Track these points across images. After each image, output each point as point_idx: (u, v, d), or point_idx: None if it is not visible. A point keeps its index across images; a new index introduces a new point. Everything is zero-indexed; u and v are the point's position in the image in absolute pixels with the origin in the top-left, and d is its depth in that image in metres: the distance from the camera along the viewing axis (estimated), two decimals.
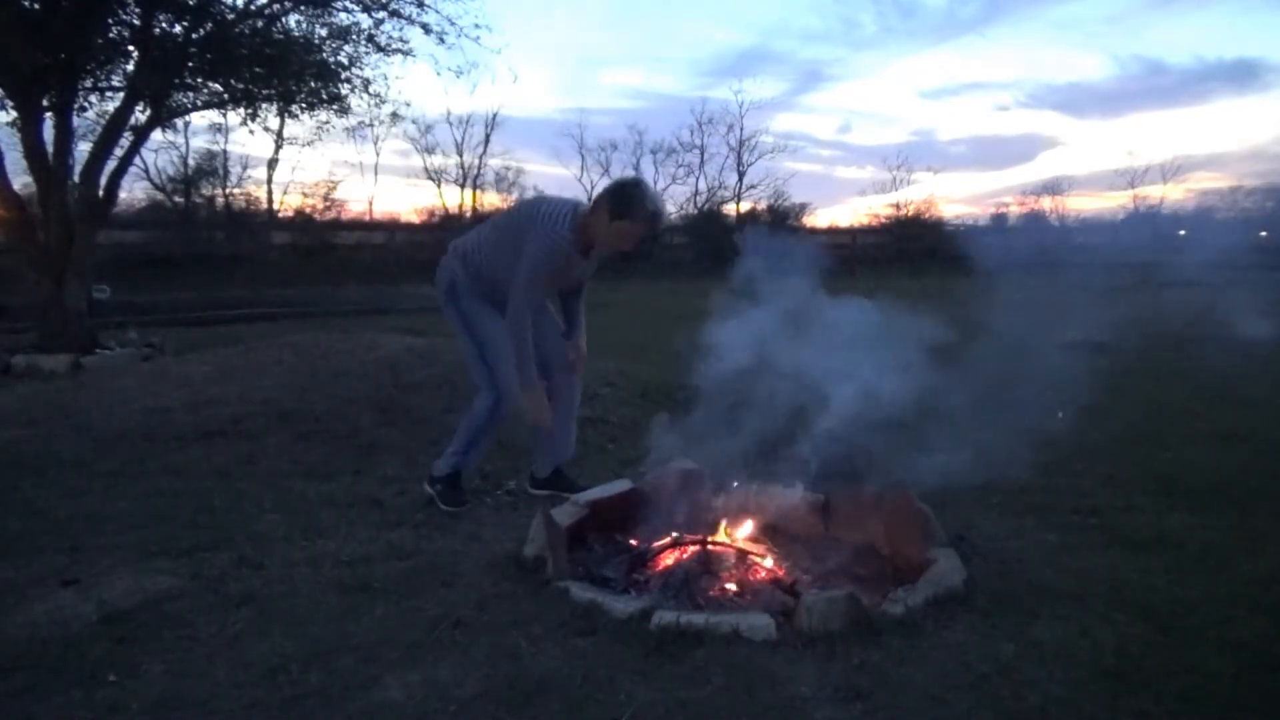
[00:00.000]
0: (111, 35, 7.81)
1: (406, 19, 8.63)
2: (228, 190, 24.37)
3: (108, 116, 8.09)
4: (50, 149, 7.63)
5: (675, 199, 32.05)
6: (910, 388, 3.10)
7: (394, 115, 11.09)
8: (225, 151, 23.83)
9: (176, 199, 23.47)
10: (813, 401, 3.22)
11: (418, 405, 5.01)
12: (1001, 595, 2.62)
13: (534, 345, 3.19)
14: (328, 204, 26.01)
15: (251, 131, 11.61)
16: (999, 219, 32.95)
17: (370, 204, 28.76)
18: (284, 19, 8.59)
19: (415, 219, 28.68)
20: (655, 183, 30.88)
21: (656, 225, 3.13)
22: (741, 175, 31.79)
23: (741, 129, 31.50)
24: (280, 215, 25.27)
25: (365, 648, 2.29)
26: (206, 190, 24.12)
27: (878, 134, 54.78)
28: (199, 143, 23.39)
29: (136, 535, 3.14)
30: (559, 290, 3.44)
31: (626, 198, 3.08)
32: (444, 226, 27.29)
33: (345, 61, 8.86)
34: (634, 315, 11.77)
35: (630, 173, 30.53)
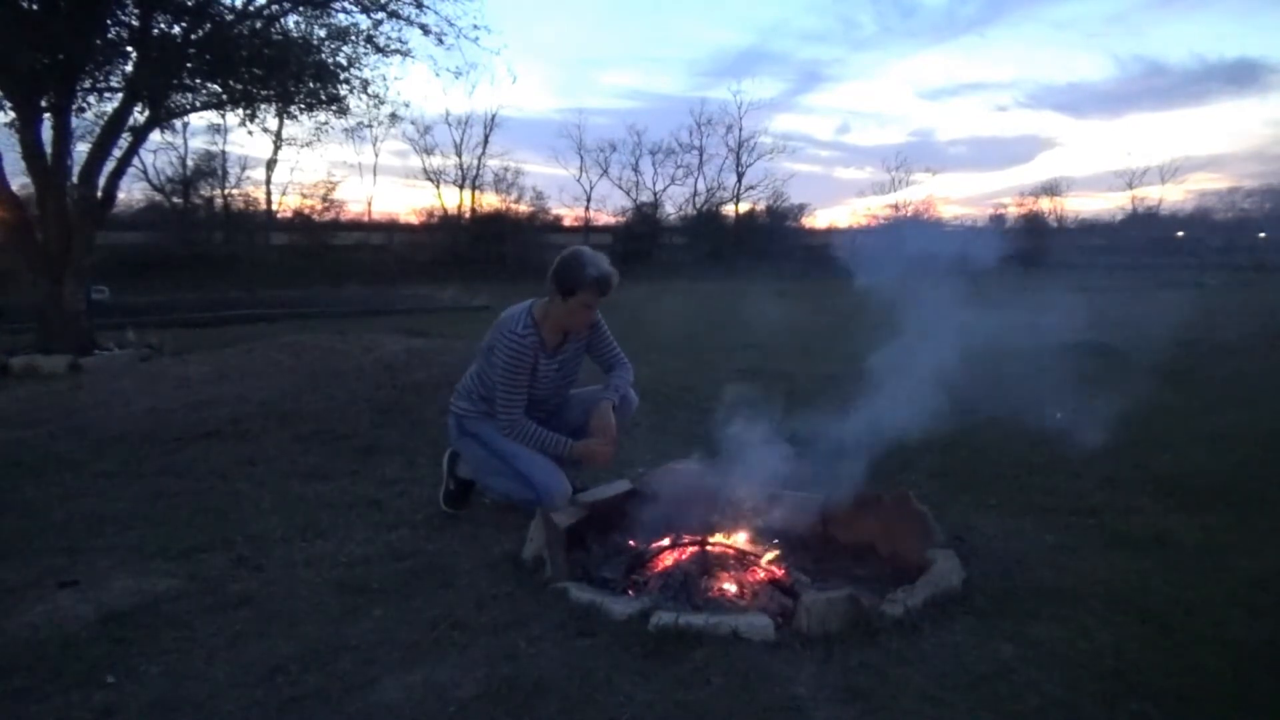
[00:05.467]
0: (110, 36, 7.81)
1: (405, 20, 8.66)
2: (226, 191, 24.42)
3: (106, 117, 8.09)
4: (49, 150, 7.63)
5: (674, 200, 32.07)
6: None
7: (393, 116, 11.13)
8: (224, 152, 23.89)
9: (175, 200, 23.49)
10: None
11: (416, 406, 5.00)
12: (1000, 596, 2.62)
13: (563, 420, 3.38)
14: (326, 205, 26.06)
15: (250, 132, 11.66)
16: (997, 220, 33.03)
17: (369, 205, 28.82)
18: (283, 20, 8.59)
19: (414, 220, 28.70)
20: (654, 183, 30.94)
21: (605, 286, 3.12)
22: (740, 176, 31.89)
23: (740, 129, 31.59)
24: (279, 216, 25.29)
25: (364, 649, 2.29)
26: (205, 191, 24.16)
27: (877, 134, 55.13)
28: (197, 143, 23.46)
29: (135, 536, 3.14)
30: (567, 380, 3.41)
31: (569, 272, 3.09)
32: (442, 227, 27.33)
33: (344, 62, 8.88)
34: (632, 317, 11.76)
35: (631, 174, 30.57)
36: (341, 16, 8.67)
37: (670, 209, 31.55)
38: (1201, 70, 50.08)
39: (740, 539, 3.01)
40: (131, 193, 22.38)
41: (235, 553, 2.96)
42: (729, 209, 31.90)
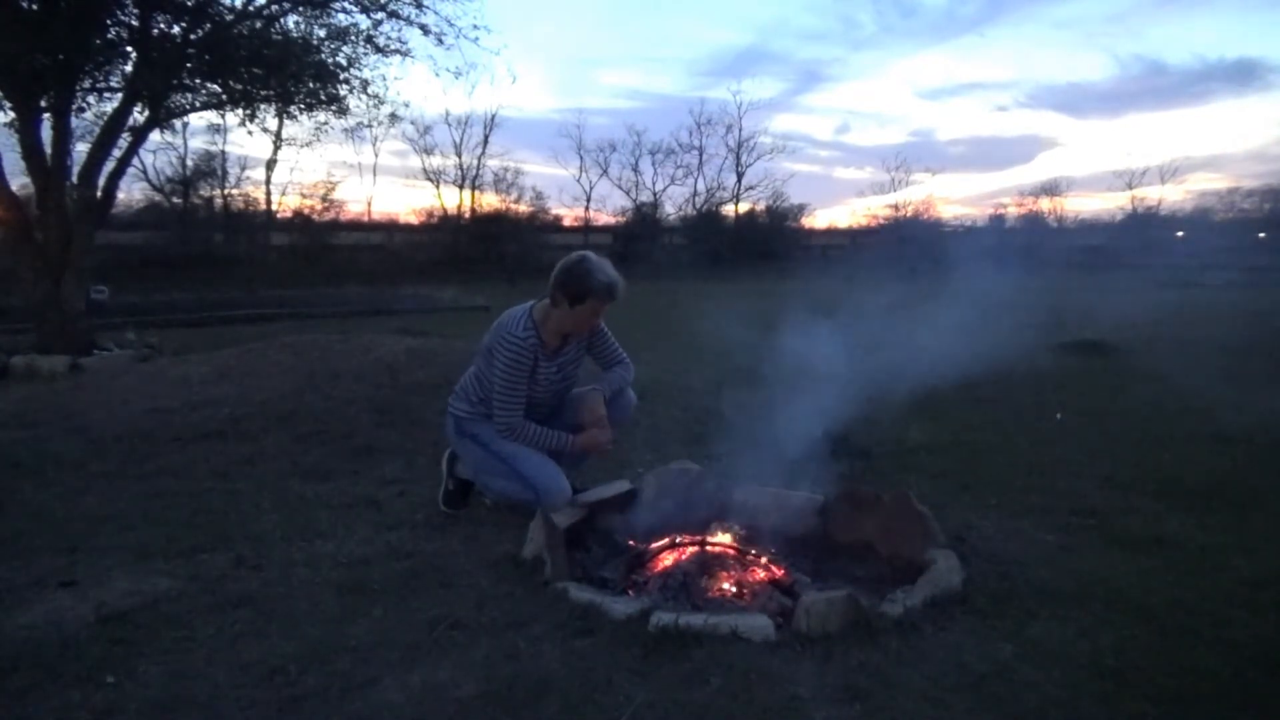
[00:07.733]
0: (110, 36, 7.80)
1: (405, 20, 8.65)
2: (226, 191, 24.41)
3: (106, 117, 8.08)
4: (49, 149, 7.63)
5: (674, 200, 32.08)
6: None
7: (392, 116, 11.14)
8: (223, 152, 23.88)
9: (175, 200, 23.47)
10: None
11: (416, 406, 5.00)
12: (1000, 596, 2.62)
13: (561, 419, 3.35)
14: (326, 205, 26.03)
15: (250, 132, 11.66)
16: (996, 220, 33.03)
17: (369, 205, 28.81)
18: (283, 20, 8.60)
19: (414, 220, 28.70)
20: (654, 183, 30.95)
21: (614, 293, 3.11)
22: (740, 176, 31.88)
23: (740, 129, 31.59)
24: (278, 216, 25.27)
25: (363, 649, 2.29)
26: (205, 191, 24.15)
27: (876, 134, 55.19)
28: (197, 143, 23.44)
29: (134, 536, 3.14)
30: (566, 381, 3.40)
31: (577, 280, 3.07)
32: (442, 227, 27.33)
33: (344, 62, 8.87)
34: (632, 317, 11.77)
35: (631, 174, 30.55)
36: (341, 16, 8.67)
37: (670, 209, 31.57)
38: (1201, 70, 50.15)
39: (739, 539, 3.01)
40: (131, 193, 22.41)
41: (235, 553, 2.96)
42: (729, 209, 31.90)
